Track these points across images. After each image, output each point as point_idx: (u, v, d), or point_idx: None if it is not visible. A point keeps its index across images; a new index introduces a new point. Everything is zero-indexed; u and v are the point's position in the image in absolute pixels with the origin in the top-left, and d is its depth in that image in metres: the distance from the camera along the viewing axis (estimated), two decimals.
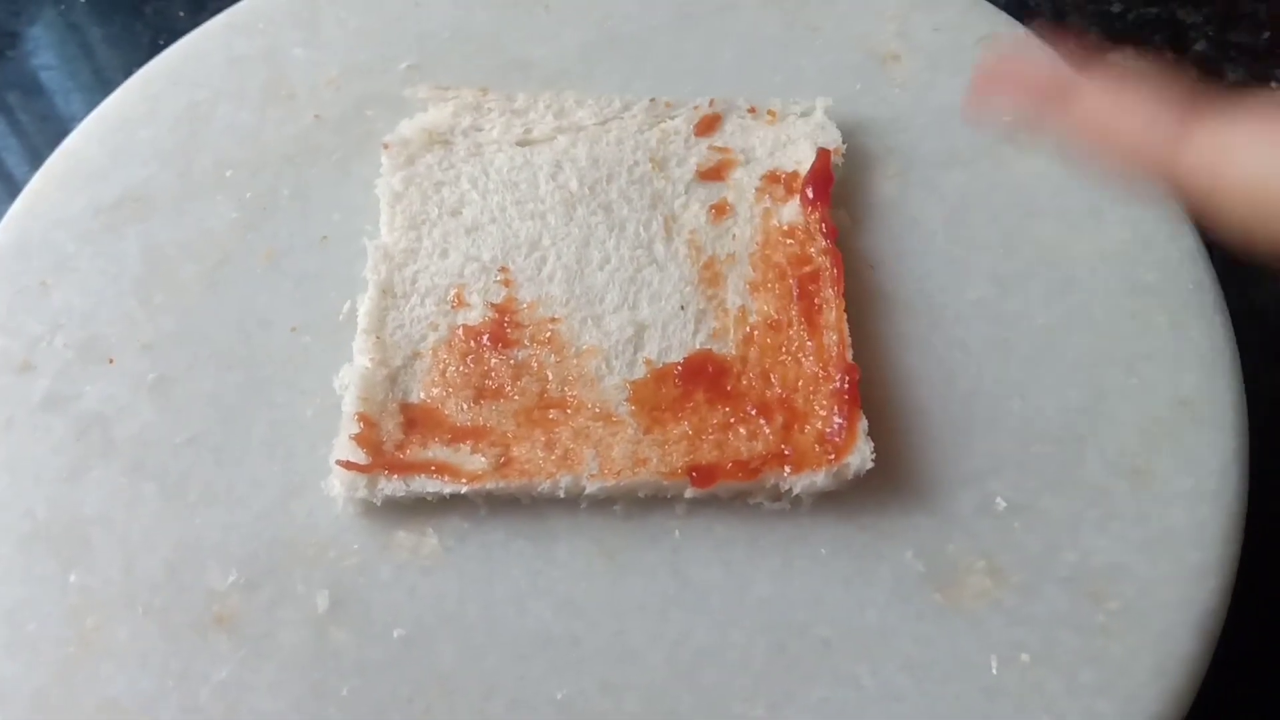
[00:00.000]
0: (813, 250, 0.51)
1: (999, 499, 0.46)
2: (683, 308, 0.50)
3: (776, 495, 0.46)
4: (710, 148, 0.55)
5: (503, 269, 0.51)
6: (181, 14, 0.78)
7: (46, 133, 0.74)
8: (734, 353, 0.49)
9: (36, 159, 0.59)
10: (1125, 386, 0.49)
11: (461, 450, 0.46)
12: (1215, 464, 0.47)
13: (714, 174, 0.54)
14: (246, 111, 0.58)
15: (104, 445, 0.48)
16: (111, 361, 0.50)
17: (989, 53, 0.37)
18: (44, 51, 0.78)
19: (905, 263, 0.53)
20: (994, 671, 0.43)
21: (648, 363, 0.49)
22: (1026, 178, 0.55)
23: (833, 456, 0.45)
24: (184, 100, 0.58)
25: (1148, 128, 0.34)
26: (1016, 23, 0.60)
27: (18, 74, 0.77)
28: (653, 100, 0.56)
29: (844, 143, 0.54)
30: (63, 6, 0.79)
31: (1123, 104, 0.35)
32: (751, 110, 0.56)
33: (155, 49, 0.61)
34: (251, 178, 0.56)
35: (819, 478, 0.45)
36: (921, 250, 0.53)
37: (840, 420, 0.46)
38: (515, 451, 0.46)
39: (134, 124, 0.58)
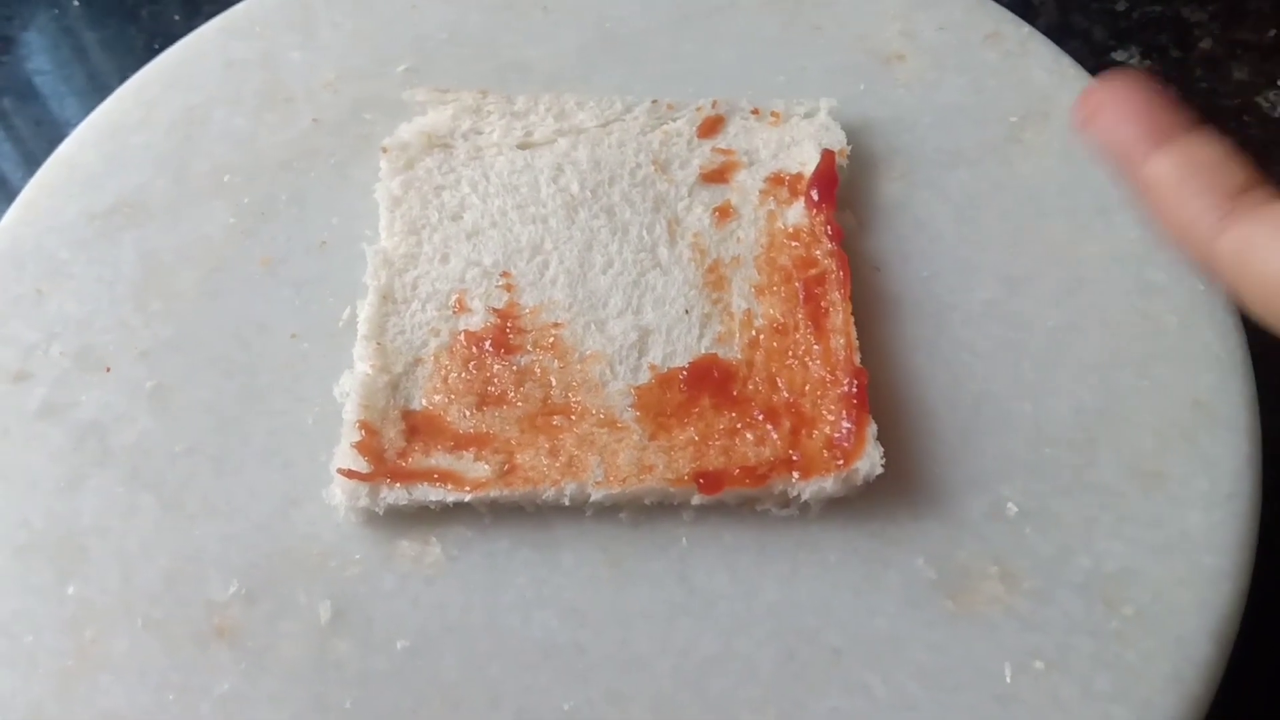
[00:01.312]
0: (818, 252, 0.50)
1: (1010, 504, 0.46)
2: (687, 312, 0.49)
3: (785, 501, 0.45)
4: (713, 150, 0.54)
5: (504, 274, 0.51)
6: (176, 18, 0.77)
7: (42, 138, 0.74)
8: (740, 357, 0.48)
9: (32, 164, 0.58)
10: (1138, 388, 0.49)
11: (464, 458, 0.46)
12: (1230, 467, 0.46)
13: (717, 176, 0.54)
14: (242, 116, 0.57)
15: (101, 454, 0.48)
16: (108, 370, 0.50)
17: (1106, 82, 0.38)
18: (38, 56, 0.77)
19: (912, 264, 0.52)
20: (1008, 679, 0.42)
21: (652, 368, 0.48)
22: (1033, 177, 0.54)
23: (841, 462, 0.45)
24: (179, 105, 0.57)
25: (1197, 212, 0.35)
26: (1022, 21, 0.60)
27: (12, 79, 0.76)
28: (654, 102, 0.55)
29: (849, 144, 0.54)
30: (56, 11, 0.79)
31: (1183, 182, 0.36)
32: (755, 111, 0.55)
33: (150, 53, 0.60)
34: (248, 183, 0.55)
35: (828, 484, 0.44)
36: (928, 251, 0.52)
37: (849, 425, 0.45)
38: (519, 459, 0.46)
39: (128, 130, 0.57)
